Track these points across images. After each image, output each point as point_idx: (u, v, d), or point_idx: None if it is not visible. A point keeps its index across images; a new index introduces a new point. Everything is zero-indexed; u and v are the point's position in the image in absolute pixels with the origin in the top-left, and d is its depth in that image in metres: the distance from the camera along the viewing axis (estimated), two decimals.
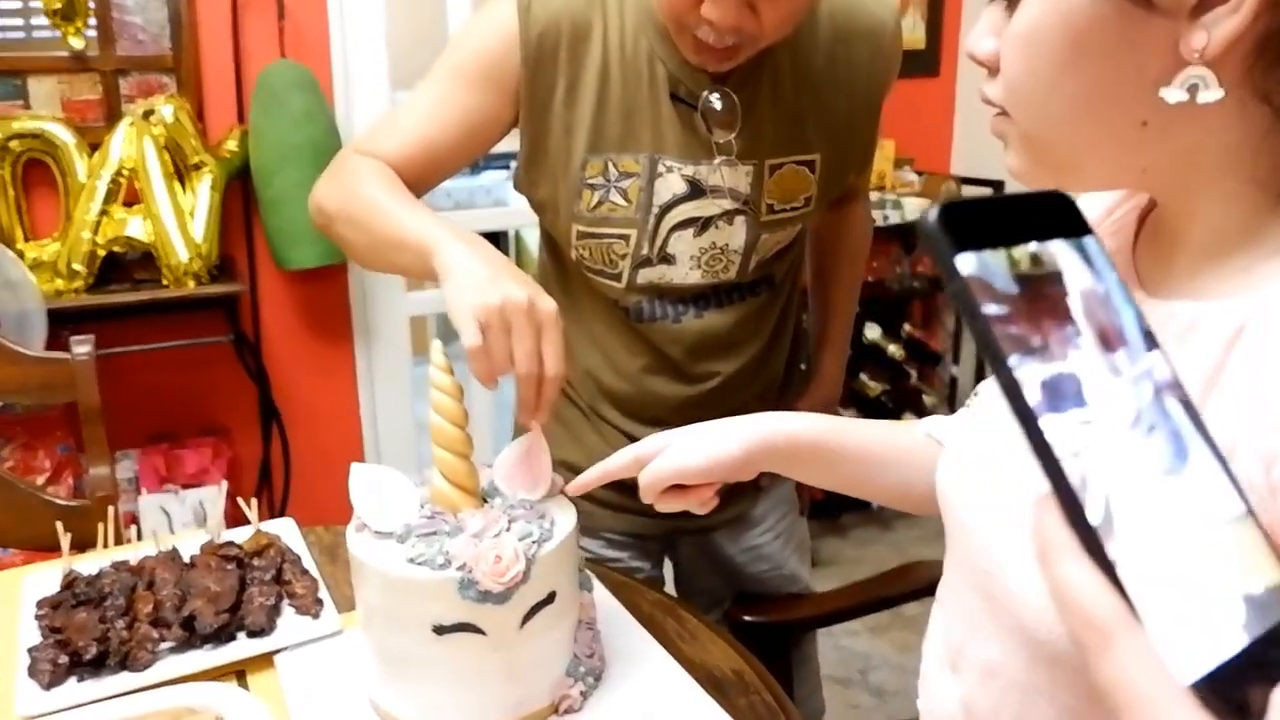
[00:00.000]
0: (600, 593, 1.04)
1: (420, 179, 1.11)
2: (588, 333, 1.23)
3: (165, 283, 2.15)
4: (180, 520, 2.24)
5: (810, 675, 1.45)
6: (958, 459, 0.74)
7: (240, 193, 2.34)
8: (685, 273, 1.15)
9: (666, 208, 1.12)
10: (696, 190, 1.11)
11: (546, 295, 0.89)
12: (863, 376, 3.03)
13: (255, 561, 1.11)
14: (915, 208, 2.95)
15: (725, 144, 1.09)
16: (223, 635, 1.00)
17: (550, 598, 0.86)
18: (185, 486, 2.29)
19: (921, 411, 3.12)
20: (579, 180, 1.11)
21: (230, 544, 1.13)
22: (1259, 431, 0.49)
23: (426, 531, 0.85)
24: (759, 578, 1.37)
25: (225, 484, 1.28)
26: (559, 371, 0.89)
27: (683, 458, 0.86)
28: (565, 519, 0.90)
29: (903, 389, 3.09)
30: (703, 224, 1.13)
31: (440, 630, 0.83)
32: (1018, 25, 0.56)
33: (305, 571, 1.11)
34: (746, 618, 1.37)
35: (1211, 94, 0.50)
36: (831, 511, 3.05)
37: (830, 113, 1.13)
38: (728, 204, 1.12)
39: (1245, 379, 0.52)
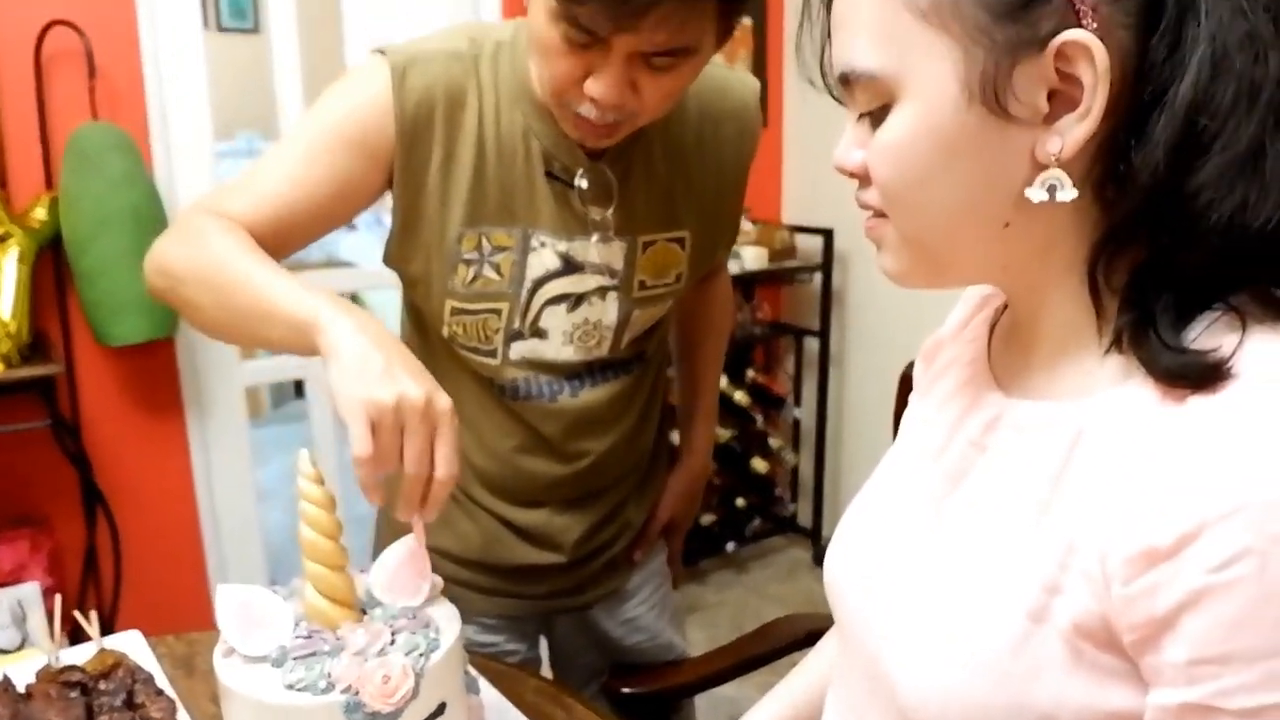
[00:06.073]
0: (483, 688, 1.00)
1: (278, 244, 1.01)
2: (457, 412, 1.19)
3: None
4: None
5: None
6: (843, 546, 0.76)
7: (52, 264, 2.18)
8: (558, 348, 1.13)
9: (539, 282, 1.10)
10: (570, 266, 1.10)
11: (442, 390, 0.84)
12: None
13: (102, 685, 1.01)
14: (753, 257, 3.03)
15: (602, 220, 1.08)
16: None
17: (440, 709, 0.82)
18: (1, 585, 2.09)
19: (769, 454, 3.20)
20: (454, 254, 1.07)
21: (72, 668, 1.03)
22: (1096, 528, 0.53)
23: (304, 653, 0.80)
24: (636, 649, 1.36)
25: (59, 598, 1.17)
26: (451, 473, 0.84)
27: None
28: (450, 624, 0.86)
29: (749, 434, 3.16)
30: (575, 300, 1.11)
31: None
32: (887, 137, 0.58)
33: (160, 692, 1.02)
34: (625, 690, 1.36)
35: (1068, 194, 0.55)
36: (689, 558, 3.07)
37: (700, 190, 1.14)
38: (602, 280, 1.11)
39: (1085, 479, 0.55)
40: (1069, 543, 0.55)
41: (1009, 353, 0.68)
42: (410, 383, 0.81)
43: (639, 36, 0.87)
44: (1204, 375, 0.51)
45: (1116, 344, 0.56)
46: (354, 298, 4.39)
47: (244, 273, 0.92)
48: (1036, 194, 0.55)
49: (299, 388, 4.34)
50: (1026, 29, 0.52)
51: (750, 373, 3.20)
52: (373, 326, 0.86)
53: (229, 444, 2.50)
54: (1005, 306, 0.72)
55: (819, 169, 3.25)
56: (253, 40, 4.41)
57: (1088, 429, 0.56)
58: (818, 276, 3.17)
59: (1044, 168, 0.55)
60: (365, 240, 4.14)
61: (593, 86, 0.92)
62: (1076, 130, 0.53)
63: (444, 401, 0.84)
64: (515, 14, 2.44)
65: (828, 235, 3.11)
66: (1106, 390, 0.57)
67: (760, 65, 3.24)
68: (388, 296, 4.05)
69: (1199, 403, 0.51)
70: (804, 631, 1.49)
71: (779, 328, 3.36)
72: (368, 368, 0.82)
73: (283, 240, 1.03)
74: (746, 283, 3.10)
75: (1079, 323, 0.60)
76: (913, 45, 0.55)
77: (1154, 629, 0.50)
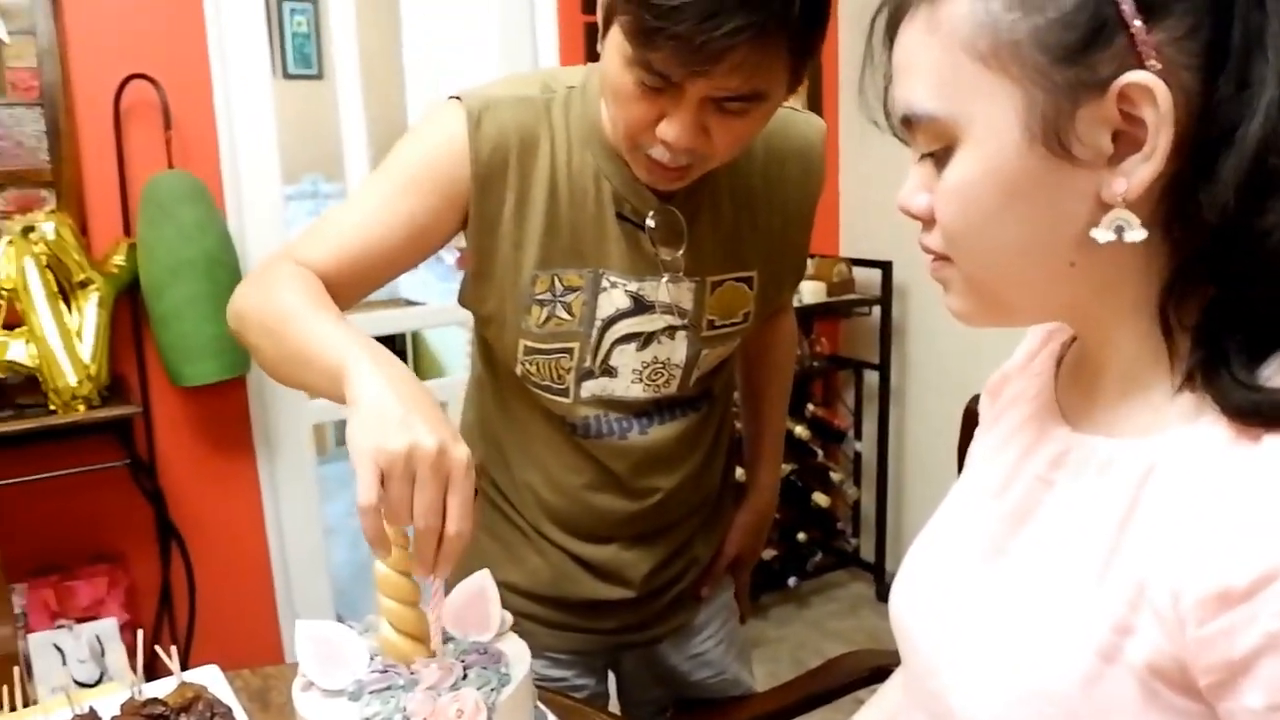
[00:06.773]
0: None
1: (355, 286, 1.04)
2: (526, 449, 1.21)
3: (53, 408, 2.05)
4: (76, 657, 2.10)
5: None
6: (908, 583, 0.76)
7: (129, 308, 2.26)
8: (627, 385, 1.14)
9: (609, 321, 1.11)
10: (640, 306, 1.11)
11: (461, 442, 0.81)
12: None
13: (183, 718, 1.05)
14: (811, 290, 3.04)
15: (671, 261, 1.09)
16: None
17: None
18: (79, 620, 2.15)
19: (830, 488, 3.17)
20: (528, 295, 1.09)
21: (154, 701, 1.06)
22: (1168, 567, 0.52)
23: (380, 687, 0.82)
24: (703, 684, 1.36)
25: (141, 632, 1.21)
26: (463, 529, 0.79)
27: None
28: (520, 660, 0.88)
29: (810, 467, 3.14)
30: (645, 339, 1.13)
31: None
32: (951, 180, 0.59)
33: None
34: None
35: (1136, 234, 0.54)
36: (750, 593, 3.05)
37: (767, 230, 1.15)
38: (671, 320, 1.12)
39: (1156, 518, 0.55)
40: (1139, 582, 0.54)
41: (1076, 388, 0.68)
42: (425, 432, 0.78)
43: (712, 81, 0.89)
44: (1278, 414, 0.51)
45: (1188, 381, 0.56)
46: (415, 335, 4.48)
47: (299, 319, 0.93)
48: (1103, 235, 0.55)
49: None
50: (1087, 71, 0.53)
51: (810, 406, 3.19)
52: (401, 379, 0.84)
53: (297, 481, 2.55)
54: (1072, 340, 0.72)
55: (876, 202, 3.25)
56: (317, 86, 4.53)
57: (1158, 466, 0.56)
58: (876, 309, 3.16)
59: (1109, 208, 0.55)
60: (426, 277, 4.19)
61: (665, 130, 0.94)
62: (1142, 171, 0.53)
63: (459, 452, 0.80)
64: (572, 63, 2.50)
65: (886, 268, 3.10)
66: (1177, 428, 0.56)
67: (815, 98, 3.26)
68: (449, 334, 4.12)
69: (1273, 442, 0.50)
70: (868, 668, 1.47)
71: (838, 361, 3.35)
72: (385, 417, 0.79)
73: (357, 284, 1.06)
74: (805, 316, 3.10)
75: (1148, 359, 0.59)
76: (973, 89, 0.56)
77: (1230, 673, 0.49)
